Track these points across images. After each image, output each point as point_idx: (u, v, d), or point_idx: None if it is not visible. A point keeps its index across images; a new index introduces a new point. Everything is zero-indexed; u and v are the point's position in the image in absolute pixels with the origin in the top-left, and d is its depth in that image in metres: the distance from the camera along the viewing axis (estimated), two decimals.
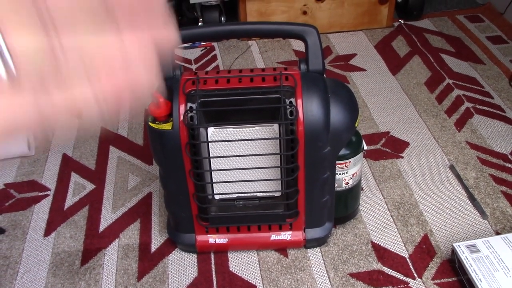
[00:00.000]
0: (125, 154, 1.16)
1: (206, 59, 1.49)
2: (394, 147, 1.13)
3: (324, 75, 0.82)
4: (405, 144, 1.14)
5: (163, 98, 0.78)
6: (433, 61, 1.42)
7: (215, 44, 1.56)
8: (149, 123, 0.79)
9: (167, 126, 0.78)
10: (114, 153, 1.16)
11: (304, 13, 1.52)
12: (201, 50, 1.53)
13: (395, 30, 1.58)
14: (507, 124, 1.18)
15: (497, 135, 1.15)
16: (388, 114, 1.23)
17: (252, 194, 0.87)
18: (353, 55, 1.47)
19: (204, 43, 1.55)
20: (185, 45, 1.54)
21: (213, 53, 1.51)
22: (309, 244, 0.91)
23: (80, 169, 1.12)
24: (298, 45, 1.51)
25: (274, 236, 0.90)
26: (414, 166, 1.08)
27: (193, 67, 1.46)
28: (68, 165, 1.14)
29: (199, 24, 1.57)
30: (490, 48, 1.47)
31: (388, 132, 1.18)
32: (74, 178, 1.10)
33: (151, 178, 1.09)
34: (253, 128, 0.80)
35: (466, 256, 0.83)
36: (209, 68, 1.45)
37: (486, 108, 1.23)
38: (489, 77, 1.34)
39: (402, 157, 1.10)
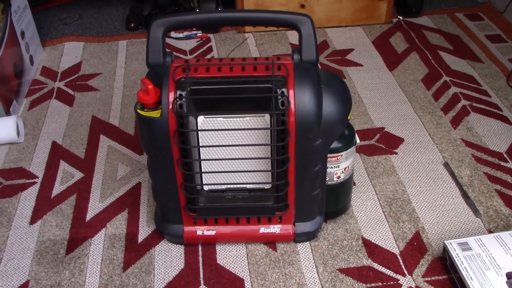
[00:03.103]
0: (115, 143, 1.14)
1: (201, 50, 1.47)
2: (389, 143, 1.12)
3: (319, 66, 0.81)
4: (400, 140, 1.12)
5: (152, 85, 0.76)
6: (431, 58, 1.40)
7: (211, 35, 1.54)
8: (138, 110, 0.77)
9: (155, 114, 0.76)
10: (104, 142, 1.14)
11: (302, 6, 1.50)
12: (197, 41, 1.51)
13: (393, 26, 1.56)
14: (503, 123, 1.17)
15: (493, 133, 1.14)
16: (383, 110, 1.22)
17: (241, 185, 0.85)
18: (350, 50, 1.45)
19: (200, 34, 1.53)
20: (181, 35, 1.52)
21: (208, 45, 1.50)
22: (298, 238, 0.89)
23: (69, 157, 1.11)
24: (295, 38, 1.49)
25: (263, 229, 0.88)
26: (408, 163, 1.07)
27: (188, 58, 1.44)
28: (57, 153, 1.12)
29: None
30: (488, 46, 1.45)
31: (383, 128, 1.16)
32: (63, 166, 1.08)
33: (141, 168, 1.07)
34: (244, 118, 0.78)
35: (457, 254, 0.82)
36: None
37: (483, 107, 1.22)
38: (486, 75, 1.33)
39: (396, 153, 1.09)
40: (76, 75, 1.38)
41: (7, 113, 1.19)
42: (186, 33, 1.53)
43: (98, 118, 1.22)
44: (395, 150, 1.10)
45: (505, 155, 1.08)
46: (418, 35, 1.51)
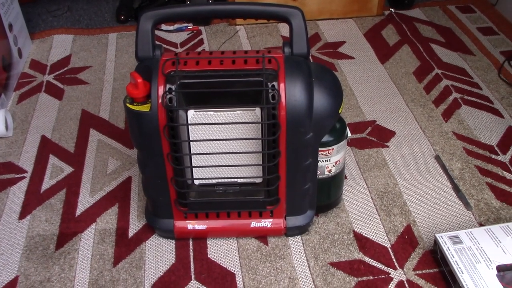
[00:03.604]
0: (105, 137, 1.13)
1: (192, 43, 1.46)
2: (380, 136, 1.12)
3: (311, 59, 0.80)
4: (391, 133, 1.12)
5: (141, 79, 0.75)
6: (423, 50, 1.40)
7: (202, 28, 1.53)
8: (127, 104, 0.76)
9: (145, 108, 0.76)
10: (94, 136, 1.13)
11: None
12: (188, 34, 1.50)
13: (385, 19, 1.55)
14: (494, 116, 1.17)
15: (484, 126, 1.14)
16: (375, 103, 1.21)
17: (232, 180, 0.84)
18: (342, 42, 1.44)
19: (191, 26, 1.52)
20: (171, 28, 1.51)
21: (199, 37, 1.48)
22: (289, 232, 0.89)
23: (58, 151, 1.10)
24: (286, 31, 1.48)
25: (254, 223, 0.88)
26: (399, 156, 1.06)
27: (179, 50, 1.43)
28: (46, 147, 1.11)
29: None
30: (480, 39, 1.45)
31: (375, 121, 1.16)
32: (52, 160, 1.07)
33: (131, 162, 1.06)
34: (235, 112, 0.78)
35: (448, 247, 0.82)
36: None
37: (474, 99, 1.22)
38: (478, 68, 1.33)
39: (387, 146, 1.09)
40: (66, 68, 1.36)
41: None
42: (177, 26, 1.52)
43: (88, 112, 1.20)
44: (386, 143, 1.10)
45: (496, 148, 1.08)
46: (410, 27, 1.51)
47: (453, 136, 1.11)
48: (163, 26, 1.51)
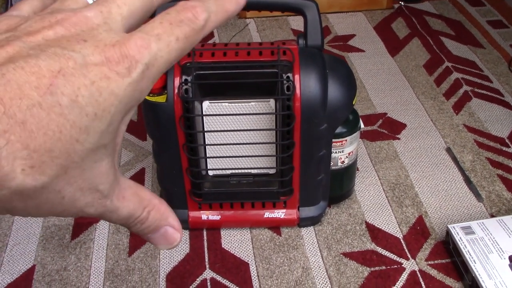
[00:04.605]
0: None
1: None
2: (391, 128, 1.12)
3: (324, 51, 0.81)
4: (402, 126, 1.13)
5: None
6: (433, 43, 1.40)
7: None
8: None
9: (161, 99, 0.77)
10: None
11: None
12: None
13: (395, 12, 1.56)
14: (505, 108, 1.17)
15: (495, 119, 1.14)
16: (385, 96, 1.22)
17: (246, 170, 0.85)
18: (352, 35, 1.45)
19: None
20: None
21: None
22: (303, 222, 0.90)
23: None
24: (297, 24, 1.49)
25: (268, 214, 0.89)
26: (410, 148, 1.07)
27: None
28: None
29: None
30: (490, 32, 1.45)
31: (385, 114, 1.16)
32: None
33: (144, 154, 1.07)
34: (249, 103, 0.79)
35: (460, 238, 0.82)
36: None
37: (485, 92, 1.22)
38: (488, 61, 1.33)
39: (398, 139, 1.09)
40: None
41: None
42: None
43: None
44: (397, 136, 1.10)
45: (506, 140, 1.08)
46: (419, 20, 1.51)
47: (464, 129, 1.11)
48: None
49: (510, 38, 1.42)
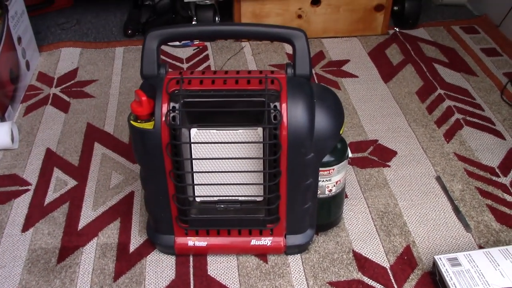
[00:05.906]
0: (109, 151, 1.14)
1: (198, 58, 1.48)
2: (382, 155, 1.12)
3: (315, 80, 0.81)
4: (393, 153, 1.13)
5: (145, 97, 0.76)
6: (426, 70, 1.41)
7: (208, 44, 1.55)
8: (131, 121, 0.78)
9: (148, 125, 0.77)
10: (98, 149, 1.15)
11: (299, 16, 1.51)
12: (194, 50, 1.52)
13: (389, 38, 1.57)
14: (496, 137, 1.17)
15: (486, 148, 1.14)
16: (377, 122, 1.22)
17: (233, 197, 0.85)
18: (346, 61, 1.46)
19: (197, 42, 1.54)
20: (178, 43, 1.53)
21: (205, 53, 1.50)
22: (289, 250, 0.90)
23: (63, 164, 1.11)
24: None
25: (255, 241, 0.88)
26: (400, 176, 1.07)
27: (185, 66, 1.44)
28: (51, 160, 1.12)
29: (193, 23, 1.55)
30: (483, 60, 1.46)
31: (377, 140, 1.17)
32: (56, 173, 1.08)
33: (134, 177, 1.07)
34: (237, 131, 0.79)
35: (446, 269, 0.82)
36: (200, 68, 1.43)
37: (476, 120, 1.22)
38: (481, 89, 1.34)
39: (389, 166, 1.09)
40: (72, 81, 1.38)
41: (2, 119, 1.19)
42: (183, 41, 1.53)
43: (93, 125, 1.22)
44: (388, 163, 1.10)
45: (497, 170, 1.08)
46: (414, 47, 1.52)
47: (455, 157, 1.12)
48: None
49: (503, 66, 1.43)
